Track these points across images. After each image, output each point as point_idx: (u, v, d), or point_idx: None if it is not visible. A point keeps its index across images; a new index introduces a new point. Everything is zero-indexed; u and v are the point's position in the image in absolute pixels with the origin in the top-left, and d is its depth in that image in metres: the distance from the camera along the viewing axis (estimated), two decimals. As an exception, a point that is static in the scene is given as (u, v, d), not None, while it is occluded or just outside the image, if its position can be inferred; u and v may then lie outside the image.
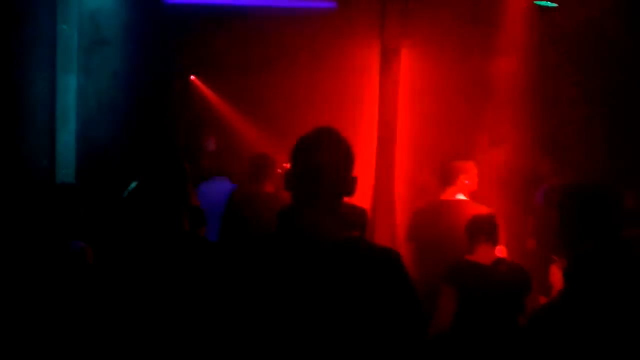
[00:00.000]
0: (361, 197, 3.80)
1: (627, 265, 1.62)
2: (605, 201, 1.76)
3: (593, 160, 3.89)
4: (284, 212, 1.50)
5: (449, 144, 4.33)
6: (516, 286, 2.81)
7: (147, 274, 2.00)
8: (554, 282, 2.74)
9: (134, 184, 3.37)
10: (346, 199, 2.98)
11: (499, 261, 2.85)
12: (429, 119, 4.57)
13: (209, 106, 7.83)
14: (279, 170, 4.31)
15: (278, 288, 1.37)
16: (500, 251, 3.07)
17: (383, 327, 1.37)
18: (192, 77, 7.95)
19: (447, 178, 3.48)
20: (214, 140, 6.08)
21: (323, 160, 1.46)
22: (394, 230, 3.92)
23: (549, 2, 4.16)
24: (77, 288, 2.52)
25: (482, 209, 3.18)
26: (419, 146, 4.35)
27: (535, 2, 4.18)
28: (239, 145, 7.17)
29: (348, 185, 1.50)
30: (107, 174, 4.31)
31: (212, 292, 1.46)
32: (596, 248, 1.65)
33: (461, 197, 3.44)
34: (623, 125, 4.04)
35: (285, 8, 4.96)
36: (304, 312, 1.36)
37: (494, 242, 2.90)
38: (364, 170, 3.91)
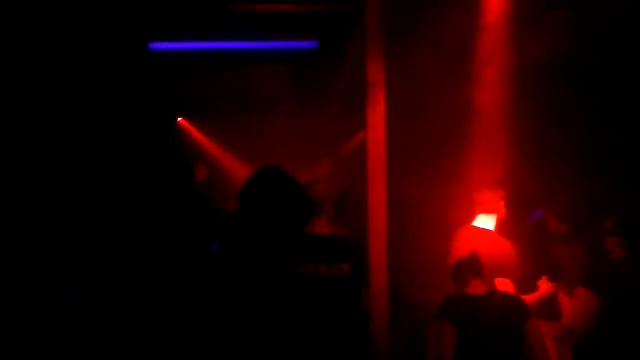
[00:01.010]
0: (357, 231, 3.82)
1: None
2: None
3: (581, 183, 3.95)
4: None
5: (439, 172, 4.38)
6: (513, 314, 2.79)
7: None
8: (564, 308, 2.73)
9: None
10: (339, 231, 3.00)
11: (493, 291, 2.83)
12: (417, 148, 4.64)
13: (198, 147, 7.87)
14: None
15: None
16: (504, 284, 3.07)
17: None
18: (179, 119, 8.02)
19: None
20: (204, 170, 6.09)
21: (269, 200, 1.58)
22: (386, 255, 3.91)
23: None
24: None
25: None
26: (410, 175, 4.39)
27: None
28: (228, 185, 7.18)
29: (295, 221, 1.60)
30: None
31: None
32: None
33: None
34: (608, 146, 4.13)
35: (268, 49, 5.05)
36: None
37: (483, 277, 2.90)
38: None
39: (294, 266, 2.66)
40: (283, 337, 1.47)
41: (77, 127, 4.83)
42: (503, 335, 2.76)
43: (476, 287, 2.87)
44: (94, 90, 4.98)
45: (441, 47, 4.09)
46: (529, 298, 2.99)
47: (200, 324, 1.96)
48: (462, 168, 4.21)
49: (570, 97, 4.12)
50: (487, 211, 3.44)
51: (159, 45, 5.01)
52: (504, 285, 3.06)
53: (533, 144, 4.40)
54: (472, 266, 2.92)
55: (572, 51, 3.74)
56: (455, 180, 4.18)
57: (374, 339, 2.81)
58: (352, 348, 2.55)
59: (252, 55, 5.18)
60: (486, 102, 4.24)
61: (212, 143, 7.82)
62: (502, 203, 3.46)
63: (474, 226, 3.47)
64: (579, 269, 2.97)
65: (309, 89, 5.82)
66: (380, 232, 3.99)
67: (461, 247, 3.25)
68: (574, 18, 3.76)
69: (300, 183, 1.66)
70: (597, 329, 2.50)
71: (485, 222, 3.42)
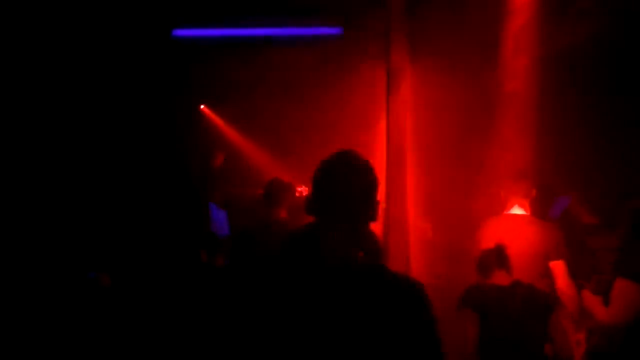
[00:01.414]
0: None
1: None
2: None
3: (601, 174, 3.85)
4: (299, 235, 1.47)
5: (462, 163, 4.32)
6: (537, 307, 2.75)
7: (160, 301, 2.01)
8: (591, 305, 2.66)
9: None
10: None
11: (517, 283, 2.80)
12: (440, 138, 4.57)
13: (220, 135, 7.90)
14: (297, 194, 4.32)
15: (293, 313, 1.35)
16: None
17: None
18: (201, 106, 8.05)
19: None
20: (221, 156, 6.13)
21: (345, 184, 1.44)
22: (407, 255, 3.87)
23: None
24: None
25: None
26: (431, 165, 4.34)
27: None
28: (251, 172, 7.21)
29: (370, 209, 1.47)
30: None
31: (224, 316, 1.43)
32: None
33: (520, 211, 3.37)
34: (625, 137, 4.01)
35: (291, 36, 5.03)
36: (319, 338, 1.33)
37: (507, 268, 2.85)
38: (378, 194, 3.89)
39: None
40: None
41: (97, 113, 4.89)
42: (525, 327, 2.71)
43: (500, 278, 2.83)
44: (116, 77, 5.03)
45: (467, 32, 4.02)
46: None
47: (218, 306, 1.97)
48: (487, 157, 4.15)
49: (602, 84, 4.01)
50: (519, 200, 3.36)
51: (182, 32, 5.03)
52: (558, 268, 2.99)
53: (562, 134, 4.31)
54: (497, 257, 2.87)
55: (602, 35, 3.64)
56: (480, 170, 4.11)
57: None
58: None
59: (275, 42, 5.17)
60: (514, 89, 4.15)
61: (233, 130, 7.84)
62: (533, 191, 3.38)
63: (505, 215, 3.39)
64: (615, 260, 2.89)
65: (333, 75, 5.78)
66: (401, 221, 3.98)
67: (489, 237, 3.19)
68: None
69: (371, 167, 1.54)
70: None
71: (518, 210, 3.34)
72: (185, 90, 6.73)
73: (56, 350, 2.74)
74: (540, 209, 4.28)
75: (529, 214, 3.34)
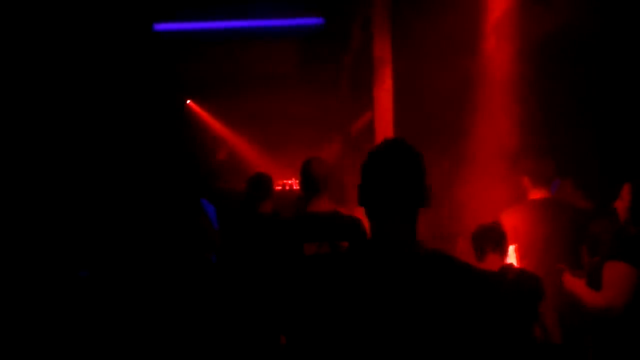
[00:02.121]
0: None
1: None
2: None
3: (589, 159, 3.88)
4: (358, 227, 1.42)
5: (448, 149, 4.35)
6: (526, 293, 2.69)
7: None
8: (575, 289, 2.63)
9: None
10: (342, 209, 2.99)
11: (507, 269, 2.75)
12: (425, 126, 4.59)
13: (207, 128, 7.88)
14: (279, 188, 4.33)
15: (370, 304, 1.33)
16: (512, 253, 2.99)
17: (477, 349, 1.32)
18: (187, 101, 8.02)
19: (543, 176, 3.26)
20: (225, 149, 6.15)
21: (397, 173, 1.43)
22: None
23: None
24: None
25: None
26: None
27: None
28: (238, 164, 7.20)
29: (423, 196, 1.46)
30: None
31: (298, 307, 1.42)
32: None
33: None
34: (614, 121, 4.05)
35: (274, 27, 5.00)
36: (395, 329, 1.32)
37: (502, 251, 2.79)
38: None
39: (299, 245, 2.67)
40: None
41: (82, 111, 4.85)
42: (514, 314, 2.62)
43: (492, 263, 2.74)
44: (99, 73, 4.98)
45: (449, 22, 4.02)
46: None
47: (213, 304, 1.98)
48: (471, 146, 4.17)
49: (585, 72, 4.04)
50: (540, 181, 3.23)
51: (163, 26, 4.98)
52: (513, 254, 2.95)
53: (546, 120, 4.33)
54: (493, 238, 2.76)
55: (580, 22, 3.65)
56: (464, 159, 4.14)
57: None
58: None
59: (258, 34, 5.14)
60: (496, 76, 4.17)
61: (219, 123, 7.82)
62: (554, 173, 3.26)
63: (530, 201, 3.28)
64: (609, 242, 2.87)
65: (316, 66, 5.78)
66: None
67: (514, 229, 3.11)
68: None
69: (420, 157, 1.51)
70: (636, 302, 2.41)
71: (541, 194, 3.22)
72: (170, 85, 6.69)
73: (49, 348, 2.74)
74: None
75: (551, 197, 3.22)
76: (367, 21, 4.20)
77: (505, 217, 3.20)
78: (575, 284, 2.62)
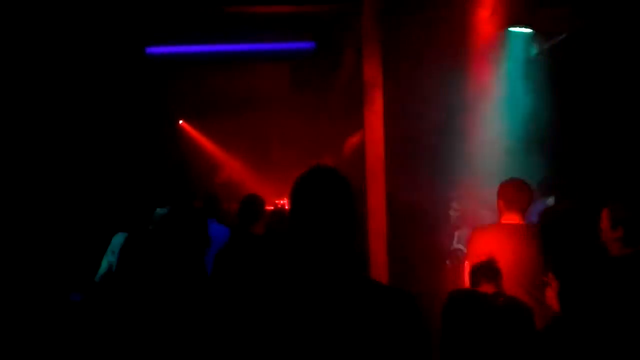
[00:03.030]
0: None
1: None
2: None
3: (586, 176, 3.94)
4: (284, 252, 1.49)
5: (438, 170, 4.41)
6: (516, 320, 2.75)
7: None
8: (553, 303, 2.71)
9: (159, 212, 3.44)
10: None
11: (499, 294, 2.82)
12: (415, 146, 4.66)
13: (200, 148, 7.91)
14: (271, 208, 4.36)
15: (286, 325, 1.38)
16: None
17: None
18: (180, 122, 8.05)
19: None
20: (224, 172, 6.19)
21: (324, 199, 1.46)
22: (386, 264, 3.93)
23: (523, 29, 4.30)
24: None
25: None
26: (409, 174, 4.41)
27: (509, 29, 4.32)
28: (230, 185, 7.22)
29: (351, 222, 1.49)
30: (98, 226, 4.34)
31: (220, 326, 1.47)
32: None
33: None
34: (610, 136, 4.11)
35: (266, 51, 5.08)
36: (310, 350, 1.36)
37: (497, 282, 2.86)
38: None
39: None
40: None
41: (75, 132, 4.87)
42: (502, 338, 2.69)
43: (485, 289, 2.85)
44: (92, 96, 5.02)
45: (438, 46, 4.11)
46: None
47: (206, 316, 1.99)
48: (459, 166, 4.23)
49: (577, 85, 4.12)
50: (513, 207, 3.31)
51: (156, 49, 5.04)
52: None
53: (537, 141, 4.39)
54: (487, 272, 2.86)
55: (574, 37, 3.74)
56: (452, 178, 4.20)
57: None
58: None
59: (250, 57, 5.20)
60: (483, 98, 4.25)
61: (212, 144, 7.86)
62: (529, 203, 3.35)
63: (501, 224, 3.35)
64: None
65: (307, 89, 5.84)
66: (380, 229, 4.03)
67: (482, 246, 3.18)
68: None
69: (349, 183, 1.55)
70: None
71: (513, 220, 3.31)
72: (163, 107, 6.73)
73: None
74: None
75: (524, 223, 3.33)
76: (358, 45, 4.28)
77: (474, 236, 3.31)
78: (555, 300, 2.69)
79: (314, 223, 1.45)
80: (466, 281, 3.14)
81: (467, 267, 3.20)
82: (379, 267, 3.84)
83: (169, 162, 7.04)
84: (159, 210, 3.75)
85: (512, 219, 3.29)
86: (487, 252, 3.11)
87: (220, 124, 7.16)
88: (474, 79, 4.25)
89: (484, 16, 3.99)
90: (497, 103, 4.17)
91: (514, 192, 3.29)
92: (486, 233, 3.32)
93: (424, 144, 4.51)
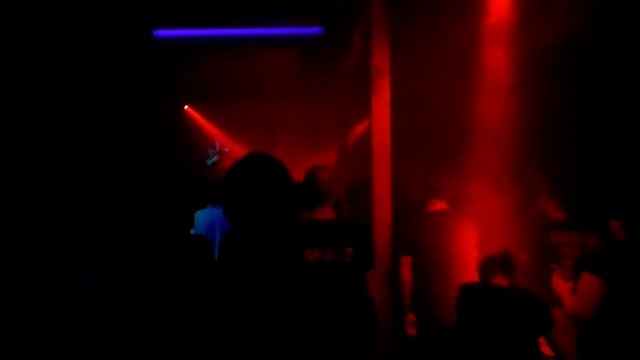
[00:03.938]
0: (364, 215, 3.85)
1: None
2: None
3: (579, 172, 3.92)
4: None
5: (446, 160, 4.37)
6: (533, 310, 2.72)
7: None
8: (560, 291, 2.71)
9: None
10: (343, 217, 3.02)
11: (514, 287, 2.79)
12: (422, 134, 4.62)
13: (205, 134, 7.89)
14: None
15: (226, 305, 1.49)
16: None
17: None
18: (186, 106, 8.03)
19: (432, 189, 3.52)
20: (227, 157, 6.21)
21: (257, 187, 1.52)
22: (390, 252, 3.93)
23: None
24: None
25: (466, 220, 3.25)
26: (415, 161, 4.39)
27: None
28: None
29: (286, 211, 1.54)
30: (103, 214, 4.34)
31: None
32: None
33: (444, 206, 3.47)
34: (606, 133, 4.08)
35: (273, 35, 5.03)
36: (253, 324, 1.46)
37: (510, 276, 2.83)
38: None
39: (301, 252, 2.69)
40: (292, 322, 1.48)
41: (82, 116, 4.86)
42: (517, 330, 2.67)
43: (499, 282, 2.82)
44: (99, 79, 5.00)
45: (447, 30, 4.06)
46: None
47: (204, 316, 1.99)
48: (469, 158, 4.20)
49: (572, 85, 4.09)
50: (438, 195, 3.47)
51: (163, 32, 5.00)
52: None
53: (537, 131, 4.36)
54: (504, 265, 2.84)
55: (576, 37, 3.70)
56: (461, 170, 4.15)
57: (378, 320, 2.86)
58: (359, 329, 2.60)
59: (257, 42, 5.16)
60: (492, 89, 4.21)
61: (218, 130, 7.84)
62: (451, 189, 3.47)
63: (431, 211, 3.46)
64: (579, 254, 2.95)
65: (315, 75, 5.80)
66: (385, 219, 4.02)
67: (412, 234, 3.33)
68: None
69: (284, 168, 1.61)
70: (602, 314, 2.50)
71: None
72: (169, 91, 6.71)
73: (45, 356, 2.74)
74: (525, 207, 4.36)
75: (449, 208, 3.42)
76: (366, 31, 4.24)
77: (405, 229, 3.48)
78: (561, 286, 2.70)
79: (248, 210, 1.53)
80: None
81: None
82: (383, 255, 3.84)
83: (174, 146, 7.03)
84: (200, 214, 3.77)
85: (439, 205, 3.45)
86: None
87: (226, 109, 7.14)
88: (486, 66, 4.21)
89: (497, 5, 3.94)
90: (509, 91, 4.13)
91: (440, 179, 3.42)
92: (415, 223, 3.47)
93: (433, 132, 4.48)
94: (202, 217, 4.37)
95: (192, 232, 4.26)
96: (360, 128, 5.32)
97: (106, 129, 5.14)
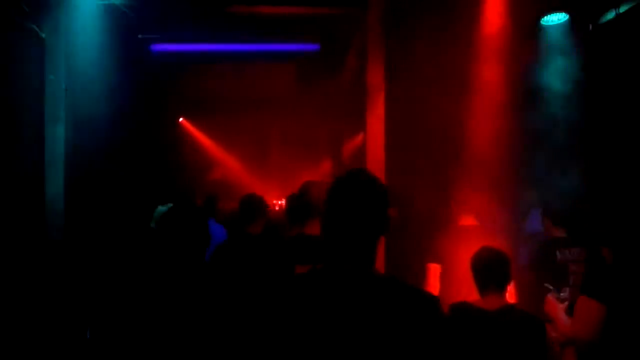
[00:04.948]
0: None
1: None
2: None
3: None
4: (320, 253, 1.51)
5: (438, 175, 4.42)
6: (529, 335, 2.57)
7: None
8: (553, 313, 2.64)
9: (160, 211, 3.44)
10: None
11: (507, 309, 2.62)
12: (416, 150, 4.67)
13: (199, 146, 7.90)
14: (272, 208, 4.37)
15: (322, 327, 1.42)
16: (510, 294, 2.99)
17: None
18: (180, 119, 8.05)
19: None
20: (219, 170, 6.22)
21: (359, 202, 1.51)
22: (385, 262, 3.94)
23: (557, 17, 4.25)
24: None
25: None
26: (408, 176, 4.43)
27: (542, 22, 4.30)
28: (230, 183, 7.22)
29: (383, 224, 1.54)
30: (98, 224, 4.33)
31: (256, 325, 1.50)
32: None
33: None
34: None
35: (270, 51, 5.09)
36: (344, 350, 1.40)
37: (504, 288, 2.66)
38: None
39: (291, 267, 2.70)
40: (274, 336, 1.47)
41: (80, 128, 4.85)
42: (508, 356, 2.52)
43: (492, 300, 2.62)
44: (95, 91, 5.01)
45: (442, 49, 4.12)
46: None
47: (199, 331, 1.99)
48: (462, 172, 4.23)
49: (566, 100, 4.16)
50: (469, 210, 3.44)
51: (161, 46, 5.05)
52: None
53: (530, 150, 4.42)
54: (497, 276, 2.64)
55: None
56: (451, 184, 4.20)
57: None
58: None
59: (253, 57, 5.22)
60: (485, 107, 4.27)
61: (213, 143, 7.85)
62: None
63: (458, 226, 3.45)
64: (584, 270, 2.94)
65: (310, 90, 5.85)
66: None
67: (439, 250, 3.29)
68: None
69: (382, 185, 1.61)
70: (601, 337, 2.44)
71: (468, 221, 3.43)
72: (164, 104, 6.73)
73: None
74: (519, 223, 4.40)
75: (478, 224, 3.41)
76: (362, 48, 4.30)
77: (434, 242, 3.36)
78: (554, 307, 2.66)
79: (345, 225, 1.50)
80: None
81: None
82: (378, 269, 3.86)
83: (168, 158, 7.04)
84: (160, 208, 3.75)
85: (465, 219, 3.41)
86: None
87: (221, 122, 7.17)
88: (479, 85, 4.27)
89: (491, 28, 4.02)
90: (505, 108, 4.19)
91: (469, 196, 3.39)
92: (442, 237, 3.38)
93: (426, 148, 4.53)
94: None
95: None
96: (354, 143, 5.37)
97: (98, 140, 5.14)
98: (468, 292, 2.98)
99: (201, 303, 1.98)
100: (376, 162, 4.12)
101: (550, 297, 2.74)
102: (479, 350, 2.54)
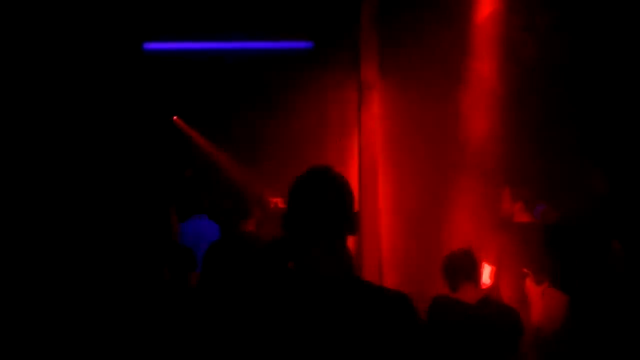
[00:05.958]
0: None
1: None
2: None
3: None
4: (277, 251, 1.48)
5: (431, 174, 4.40)
6: (504, 329, 2.57)
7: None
8: (530, 295, 2.70)
9: None
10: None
11: (486, 301, 2.61)
12: (410, 150, 4.66)
13: (193, 146, 7.87)
14: (271, 205, 4.36)
15: (284, 328, 1.37)
16: (490, 276, 2.99)
17: None
18: (174, 117, 8.01)
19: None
20: (189, 170, 6.23)
21: (322, 199, 1.45)
22: (380, 259, 3.93)
23: None
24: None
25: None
26: (402, 177, 4.41)
27: None
28: (223, 182, 7.19)
29: (349, 222, 1.48)
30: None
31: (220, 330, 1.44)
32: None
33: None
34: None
35: (262, 49, 5.06)
36: (312, 351, 1.35)
37: (476, 280, 2.65)
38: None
39: (284, 267, 2.68)
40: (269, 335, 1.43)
41: (72, 127, 4.83)
42: (489, 348, 2.52)
43: (467, 293, 2.58)
44: (89, 90, 4.98)
45: (435, 46, 4.11)
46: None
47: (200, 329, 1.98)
48: (457, 166, 4.22)
49: (563, 96, 4.14)
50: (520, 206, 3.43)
51: (153, 45, 5.01)
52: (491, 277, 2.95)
53: (532, 142, 4.40)
54: (465, 268, 2.60)
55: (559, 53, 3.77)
56: (448, 184, 4.19)
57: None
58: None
59: (246, 55, 5.19)
60: (481, 103, 4.25)
61: (206, 142, 7.81)
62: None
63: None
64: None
65: (303, 89, 5.83)
66: (374, 231, 4.04)
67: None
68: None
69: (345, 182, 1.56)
70: (564, 329, 2.46)
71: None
72: (158, 102, 6.69)
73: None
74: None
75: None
76: (355, 45, 4.28)
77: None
78: (532, 290, 2.70)
79: (309, 223, 1.44)
80: None
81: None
82: (372, 267, 3.84)
83: (162, 157, 7.00)
84: (185, 226, 3.71)
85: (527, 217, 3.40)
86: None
87: (214, 122, 7.13)
88: (474, 80, 4.25)
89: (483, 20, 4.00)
90: (499, 105, 4.17)
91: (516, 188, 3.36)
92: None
93: (421, 146, 4.51)
94: (188, 228, 4.36)
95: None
96: (348, 142, 5.34)
97: (92, 139, 5.11)
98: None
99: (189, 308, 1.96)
100: (371, 162, 4.11)
101: (529, 280, 2.78)
102: (458, 340, 2.54)
